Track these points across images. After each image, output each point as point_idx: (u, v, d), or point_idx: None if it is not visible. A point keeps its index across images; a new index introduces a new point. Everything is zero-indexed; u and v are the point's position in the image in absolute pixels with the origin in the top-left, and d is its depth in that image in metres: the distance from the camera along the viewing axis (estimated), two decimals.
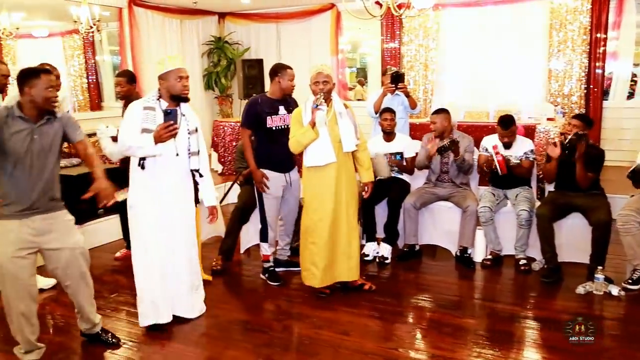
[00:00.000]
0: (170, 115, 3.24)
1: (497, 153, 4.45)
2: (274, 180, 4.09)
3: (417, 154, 4.88)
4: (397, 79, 5.24)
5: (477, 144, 4.84)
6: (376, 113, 5.33)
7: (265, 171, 4.05)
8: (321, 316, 3.67)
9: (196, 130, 3.49)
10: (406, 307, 3.84)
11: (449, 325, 3.50)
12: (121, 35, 8.19)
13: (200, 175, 3.54)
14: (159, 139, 3.21)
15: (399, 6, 4.80)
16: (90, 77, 10.33)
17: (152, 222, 3.39)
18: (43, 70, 2.86)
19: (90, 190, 2.93)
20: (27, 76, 2.81)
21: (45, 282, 4.11)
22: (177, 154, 3.37)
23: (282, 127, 4.05)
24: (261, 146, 4.07)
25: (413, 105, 5.39)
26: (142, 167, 3.32)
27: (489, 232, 4.48)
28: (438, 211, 4.79)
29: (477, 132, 5.76)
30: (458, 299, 3.96)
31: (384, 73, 5.60)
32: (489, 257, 4.55)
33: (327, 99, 3.72)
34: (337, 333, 3.43)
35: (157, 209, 3.39)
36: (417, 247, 4.78)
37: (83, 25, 7.19)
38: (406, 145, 4.99)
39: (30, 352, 3.04)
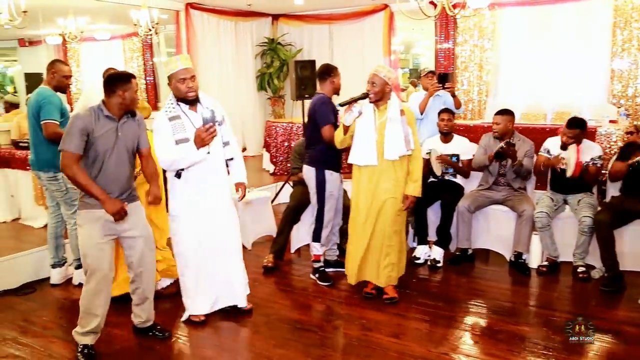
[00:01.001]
0: (207, 119, 3.26)
1: (578, 160, 4.21)
2: (336, 180, 4.13)
3: (474, 156, 4.79)
4: (444, 78, 5.18)
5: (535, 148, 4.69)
6: (421, 114, 5.31)
7: (329, 172, 4.07)
8: (371, 318, 3.65)
9: (223, 119, 3.52)
10: (458, 311, 3.77)
11: (503, 332, 3.41)
12: (178, 37, 8.40)
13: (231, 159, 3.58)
14: (201, 142, 3.25)
15: (454, 6, 4.72)
16: (147, 78, 10.68)
17: (195, 225, 3.46)
18: (132, 75, 3.12)
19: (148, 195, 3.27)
20: (121, 80, 3.04)
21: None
22: (209, 152, 3.38)
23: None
24: (324, 146, 4.06)
25: (458, 105, 5.33)
26: (179, 176, 3.39)
27: (545, 237, 4.33)
28: (492, 215, 4.68)
29: (534, 134, 5.58)
30: (512, 306, 3.85)
31: (420, 75, 5.57)
32: (545, 263, 4.41)
33: (378, 100, 3.69)
34: (387, 336, 3.40)
35: (200, 213, 3.45)
36: (470, 251, 4.69)
37: (142, 28, 7.41)
38: (463, 147, 4.90)
39: (89, 335, 3.19)
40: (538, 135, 5.60)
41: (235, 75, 9.23)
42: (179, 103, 3.38)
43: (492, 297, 3.96)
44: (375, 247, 3.82)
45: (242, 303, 3.72)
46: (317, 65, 8.51)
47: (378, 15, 8.80)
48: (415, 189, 3.78)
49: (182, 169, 3.37)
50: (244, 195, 3.71)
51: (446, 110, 4.91)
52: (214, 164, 3.46)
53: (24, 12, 5.91)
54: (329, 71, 4.13)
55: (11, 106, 7.75)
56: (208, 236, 3.50)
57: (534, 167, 4.59)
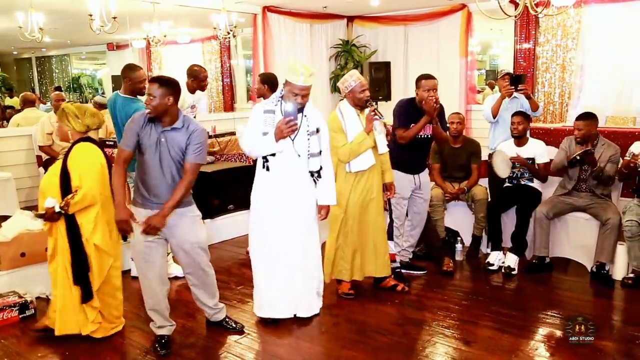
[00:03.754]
0: (289, 112, 3.32)
1: None
2: (402, 180, 4.15)
3: (551, 160, 4.60)
4: (517, 80, 5.00)
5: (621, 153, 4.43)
6: (494, 117, 5.17)
7: (394, 171, 4.09)
8: (442, 324, 3.58)
9: (317, 130, 3.52)
10: (533, 321, 3.62)
11: (582, 346, 3.24)
12: (254, 39, 8.59)
13: (319, 176, 3.55)
14: (279, 134, 3.31)
15: (537, 4, 4.54)
16: (225, 79, 11.01)
17: (273, 221, 3.51)
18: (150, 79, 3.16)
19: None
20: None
21: (179, 270, 4.42)
22: (299, 155, 3.44)
23: (424, 136, 4.12)
24: (396, 148, 4.09)
25: (534, 107, 5.13)
26: (267, 169, 3.46)
27: (634, 248, 4.07)
28: (573, 222, 4.47)
29: (621, 139, 5.27)
30: (593, 319, 3.64)
31: (497, 77, 5.40)
32: (631, 275, 4.15)
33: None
34: (458, 342, 3.33)
35: (279, 209, 3.50)
36: (548, 260, 4.49)
37: (221, 32, 7.64)
38: (538, 150, 4.72)
39: (162, 328, 3.35)
40: (627, 140, 5.30)
41: None
42: (281, 101, 3.45)
43: (571, 309, 3.77)
44: (369, 242, 3.98)
45: (314, 311, 3.73)
46: (392, 67, 8.51)
47: (455, 15, 8.61)
48: (391, 176, 4.03)
49: (268, 161, 3.43)
50: (326, 218, 3.71)
51: (518, 114, 4.75)
52: (302, 169, 3.50)
53: (114, 18, 6.25)
54: (416, 82, 4.12)
55: (100, 107, 8.19)
56: (284, 235, 3.53)
57: (617, 173, 4.34)
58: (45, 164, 5.93)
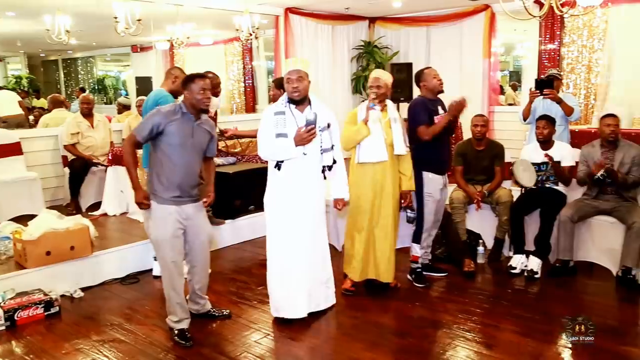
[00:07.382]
0: (311, 120, 3.37)
1: None
2: (435, 182, 4.14)
3: (577, 163, 4.53)
4: (543, 84, 4.92)
5: None
6: (525, 120, 5.14)
7: (427, 173, 4.12)
8: (463, 327, 3.55)
9: (328, 126, 3.57)
10: (556, 326, 3.55)
11: (607, 352, 3.18)
12: (276, 41, 8.61)
13: (329, 169, 3.61)
14: (300, 141, 3.36)
15: (563, 5, 4.46)
16: (247, 81, 11.07)
17: (288, 220, 3.55)
18: (198, 75, 3.31)
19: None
20: (186, 80, 3.31)
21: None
22: (305, 154, 3.46)
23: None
24: (425, 147, 4.07)
25: (567, 112, 5.02)
26: (279, 169, 3.50)
27: None
28: (598, 226, 4.39)
29: None
30: (618, 324, 3.58)
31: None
32: None
33: (381, 103, 3.92)
34: (479, 346, 3.29)
35: (292, 208, 3.54)
36: (572, 264, 4.42)
37: (244, 33, 7.68)
38: (564, 153, 4.64)
39: (181, 321, 3.44)
40: None
41: (330, 78, 9.32)
42: (289, 102, 3.51)
43: (596, 314, 3.69)
44: (381, 244, 3.99)
45: (329, 303, 3.78)
46: (414, 68, 8.45)
47: (478, 16, 8.53)
48: (411, 185, 4.04)
49: (282, 162, 3.48)
50: (342, 209, 3.78)
51: (542, 118, 4.70)
52: (311, 165, 3.54)
53: (138, 20, 6.33)
54: (417, 78, 4.22)
55: (123, 108, 8.32)
56: (296, 233, 3.56)
57: None
58: (71, 164, 6.02)
